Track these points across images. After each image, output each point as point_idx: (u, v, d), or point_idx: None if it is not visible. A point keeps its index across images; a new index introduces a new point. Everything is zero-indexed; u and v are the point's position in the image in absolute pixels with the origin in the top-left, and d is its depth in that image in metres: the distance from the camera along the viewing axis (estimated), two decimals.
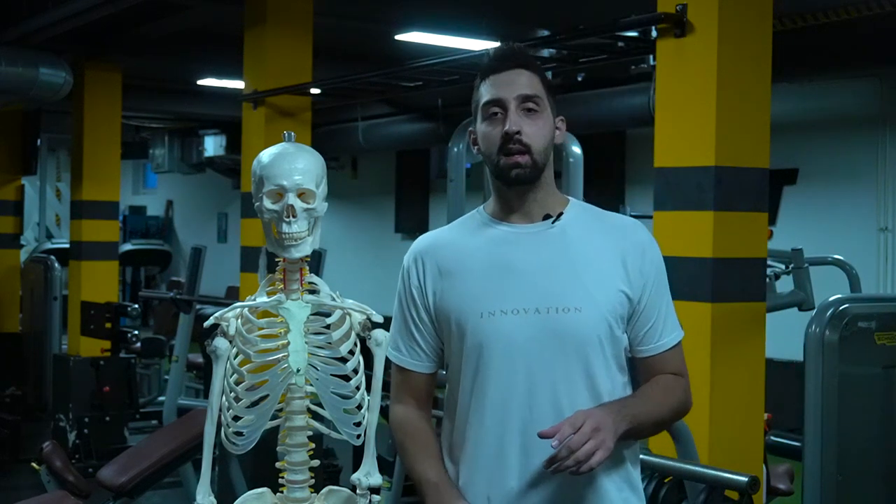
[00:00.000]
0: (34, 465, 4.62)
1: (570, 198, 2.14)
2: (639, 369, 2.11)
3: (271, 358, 2.01)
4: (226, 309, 2.01)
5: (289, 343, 2.02)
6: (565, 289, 2.00)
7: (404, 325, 2.11)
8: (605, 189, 9.85)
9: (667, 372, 2.09)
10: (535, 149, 2.03)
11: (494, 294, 2.01)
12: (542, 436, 1.87)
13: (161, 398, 8.12)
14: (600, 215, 2.14)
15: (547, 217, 2.07)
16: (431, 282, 2.08)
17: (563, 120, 2.12)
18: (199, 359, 8.41)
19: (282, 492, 2.05)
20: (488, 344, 2.00)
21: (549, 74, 6.69)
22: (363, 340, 2.06)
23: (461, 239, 2.11)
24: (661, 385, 2.07)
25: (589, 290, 2.00)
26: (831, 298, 3.60)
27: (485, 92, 2.06)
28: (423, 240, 2.16)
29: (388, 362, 2.12)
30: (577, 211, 2.11)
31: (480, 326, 2.00)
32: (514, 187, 2.05)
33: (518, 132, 2.01)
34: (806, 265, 5.51)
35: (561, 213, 2.08)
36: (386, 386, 2.09)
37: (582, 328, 1.99)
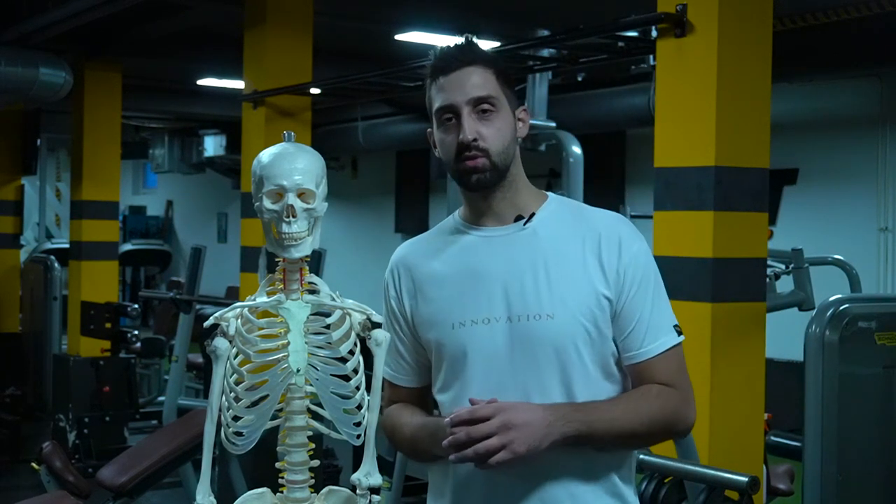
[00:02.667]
0: (34, 465, 4.62)
1: (548, 193, 2.02)
2: (632, 380, 1.94)
3: (271, 358, 2.01)
4: (226, 309, 2.01)
5: (289, 343, 2.01)
6: (537, 294, 1.89)
7: (391, 336, 2.01)
8: (605, 189, 9.85)
9: (655, 382, 1.90)
10: (493, 151, 1.91)
11: (466, 303, 1.93)
12: (452, 419, 1.80)
13: (161, 398, 8.12)
14: (579, 211, 2.01)
15: (519, 218, 1.96)
16: (407, 294, 2.03)
17: (525, 110, 2.00)
18: (199, 359, 8.42)
19: (282, 492, 2.05)
20: (461, 355, 1.92)
21: (550, 75, 6.72)
22: (363, 340, 2.05)
23: (434, 248, 2.03)
24: (638, 393, 1.90)
25: (562, 294, 1.88)
26: (831, 298, 3.60)
27: (435, 96, 1.96)
28: (398, 251, 2.09)
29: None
30: (553, 208, 1.99)
31: (453, 337, 1.93)
32: (477, 192, 1.96)
33: (474, 139, 1.90)
34: (806, 265, 5.50)
35: (533, 214, 1.96)
36: None
37: (555, 335, 1.87)
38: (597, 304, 1.89)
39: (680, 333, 1.95)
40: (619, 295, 1.90)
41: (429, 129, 2.05)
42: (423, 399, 2.09)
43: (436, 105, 1.96)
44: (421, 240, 2.10)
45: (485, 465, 1.77)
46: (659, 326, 1.92)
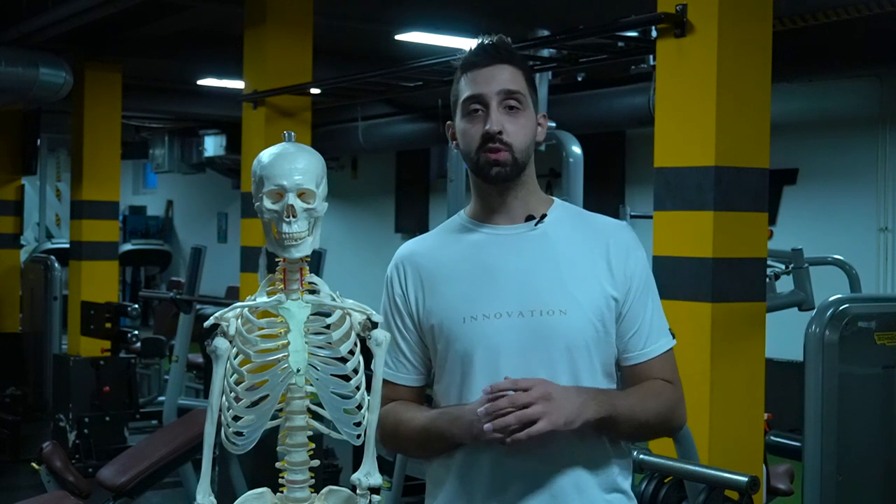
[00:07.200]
0: (34, 465, 4.62)
1: (554, 198, 2.08)
2: (626, 380, 2.02)
3: (271, 358, 2.01)
4: (226, 309, 2.01)
5: (289, 343, 2.01)
6: (550, 291, 1.94)
7: (390, 336, 2.01)
8: (605, 189, 9.86)
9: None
10: (516, 147, 1.95)
11: (477, 298, 1.96)
12: (492, 388, 1.82)
13: (161, 398, 8.12)
14: (584, 216, 2.08)
15: (530, 218, 2.01)
16: (413, 289, 2.04)
17: (545, 116, 2.05)
18: (199, 359, 8.41)
19: (282, 492, 2.05)
20: (472, 349, 1.95)
21: (550, 75, 6.72)
22: (363, 340, 2.05)
23: (442, 244, 2.07)
24: (647, 387, 1.98)
25: (574, 292, 1.94)
26: (831, 298, 3.60)
27: (465, 87, 1.98)
28: (404, 248, 2.11)
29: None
30: (561, 212, 2.05)
31: (463, 331, 1.96)
32: (494, 185, 1.99)
33: (500, 132, 1.94)
34: (806, 265, 5.50)
35: (544, 215, 2.01)
36: None
37: (568, 331, 1.93)
38: (605, 304, 1.96)
39: (673, 337, 2.04)
40: (626, 297, 1.98)
41: (448, 123, 2.07)
42: (420, 399, 2.10)
43: (464, 95, 1.98)
44: (426, 237, 2.14)
45: (518, 437, 1.79)
46: (660, 330, 2.01)
